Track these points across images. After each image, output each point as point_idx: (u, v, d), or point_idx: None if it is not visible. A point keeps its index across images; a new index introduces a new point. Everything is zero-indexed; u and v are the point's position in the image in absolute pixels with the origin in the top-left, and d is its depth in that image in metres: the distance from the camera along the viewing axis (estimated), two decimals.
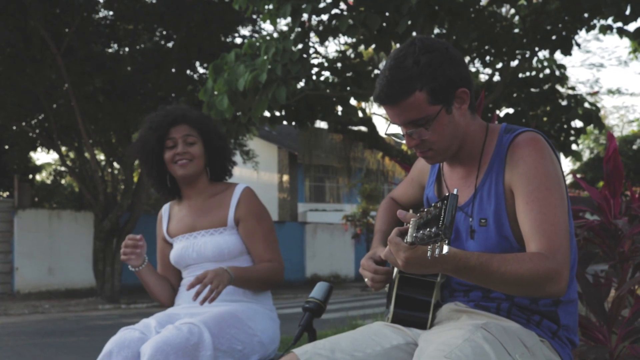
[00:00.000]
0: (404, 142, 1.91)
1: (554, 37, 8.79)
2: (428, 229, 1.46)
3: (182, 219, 2.83)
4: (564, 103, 10.32)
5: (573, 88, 10.66)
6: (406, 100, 1.81)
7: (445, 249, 1.42)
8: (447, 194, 1.46)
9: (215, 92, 7.93)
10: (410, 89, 1.79)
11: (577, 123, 10.32)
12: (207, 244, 2.70)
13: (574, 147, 10.47)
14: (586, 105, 10.23)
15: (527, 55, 9.32)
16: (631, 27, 8.32)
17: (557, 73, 10.31)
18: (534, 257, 1.69)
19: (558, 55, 9.13)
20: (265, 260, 2.69)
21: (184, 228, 2.80)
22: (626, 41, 8.57)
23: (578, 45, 8.89)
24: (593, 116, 10.03)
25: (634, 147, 23.98)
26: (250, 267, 2.66)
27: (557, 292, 1.72)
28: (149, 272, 2.76)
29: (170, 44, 16.65)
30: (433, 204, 1.50)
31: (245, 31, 17.00)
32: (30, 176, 20.85)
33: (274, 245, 2.74)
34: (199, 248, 2.71)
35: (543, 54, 10.15)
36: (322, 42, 8.85)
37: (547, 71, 10.36)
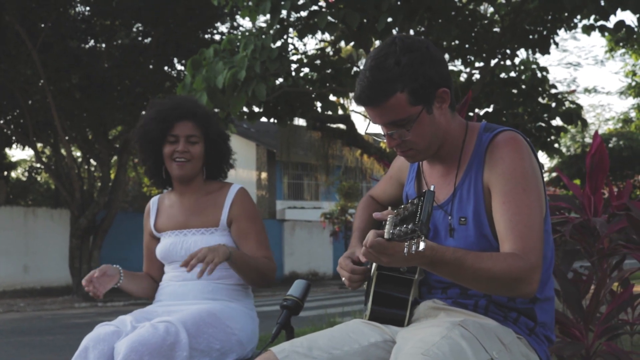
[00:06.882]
0: (384, 140, 1.91)
1: (533, 37, 8.83)
2: (405, 226, 1.46)
3: (172, 215, 2.79)
4: (544, 102, 10.39)
5: (554, 86, 10.72)
6: (387, 102, 1.80)
7: (422, 245, 1.43)
8: (424, 191, 1.46)
9: (194, 88, 7.89)
10: (391, 91, 1.79)
11: (558, 121, 10.40)
12: (197, 243, 2.66)
13: (555, 145, 10.55)
14: (567, 104, 10.31)
15: (507, 54, 9.37)
16: (611, 22, 8.33)
17: (539, 75, 10.36)
18: (508, 258, 1.71)
19: (536, 54, 9.20)
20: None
21: (174, 224, 2.77)
22: (603, 40, 8.67)
23: (556, 44, 8.95)
24: (574, 115, 10.11)
25: (610, 145, 24.26)
26: (248, 254, 2.64)
27: (527, 293, 1.74)
28: (129, 282, 2.74)
29: (147, 40, 16.53)
30: (410, 201, 1.51)
31: (223, 28, 16.95)
32: (5, 173, 20.61)
33: (266, 245, 2.74)
34: (188, 246, 2.68)
35: (523, 54, 10.21)
36: (301, 39, 8.84)
37: (529, 73, 10.41)
